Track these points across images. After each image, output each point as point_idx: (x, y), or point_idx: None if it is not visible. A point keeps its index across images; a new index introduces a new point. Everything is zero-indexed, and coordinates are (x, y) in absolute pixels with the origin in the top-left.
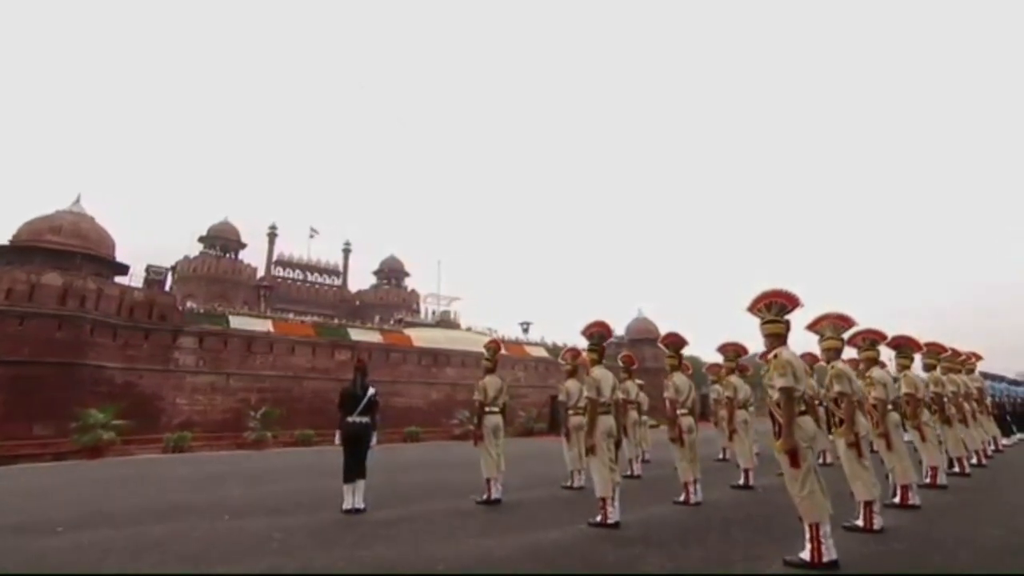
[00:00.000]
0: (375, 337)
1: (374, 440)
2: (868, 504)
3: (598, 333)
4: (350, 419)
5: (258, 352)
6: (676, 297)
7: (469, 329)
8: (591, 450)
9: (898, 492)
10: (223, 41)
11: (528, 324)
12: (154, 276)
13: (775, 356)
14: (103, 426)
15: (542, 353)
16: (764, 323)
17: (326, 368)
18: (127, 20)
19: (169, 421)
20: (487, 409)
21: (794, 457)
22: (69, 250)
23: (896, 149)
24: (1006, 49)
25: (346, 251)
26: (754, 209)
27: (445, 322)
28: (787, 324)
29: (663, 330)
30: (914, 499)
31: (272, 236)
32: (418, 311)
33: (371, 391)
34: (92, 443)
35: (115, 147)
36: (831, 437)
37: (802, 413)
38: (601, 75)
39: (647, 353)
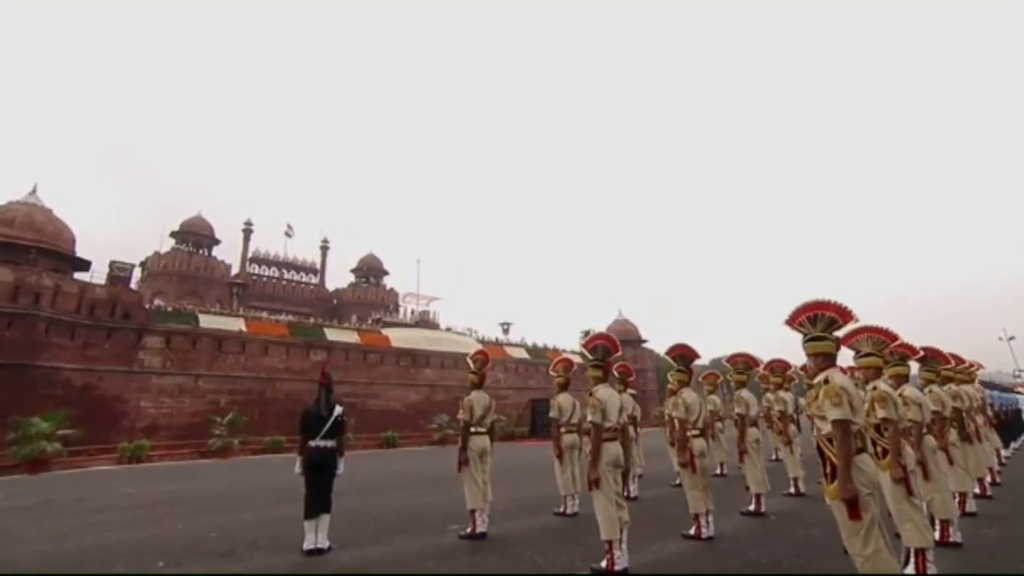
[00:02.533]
0: (352, 337)
1: (340, 467)
2: (921, 552)
3: (602, 347)
4: (313, 443)
5: (229, 352)
6: (656, 298)
7: (449, 329)
8: (594, 483)
9: (937, 528)
10: (202, 35)
11: (508, 324)
12: (118, 272)
13: (826, 381)
14: (47, 436)
15: (522, 354)
16: (809, 340)
17: (300, 369)
18: (107, 12)
19: (132, 425)
20: (473, 430)
21: (854, 507)
22: (22, 243)
23: (867, 152)
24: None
25: (324, 248)
26: (733, 208)
27: (424, 322)
28: (837, 342)
29: (644, 332)
30: (955, 535)
31: (247, 232)
32: (397, 311)
33: (338, 410)
34: (33, 456)
35: (85, 139)
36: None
37: (859, 450)
38: (582, 77)
39: (627, 355)
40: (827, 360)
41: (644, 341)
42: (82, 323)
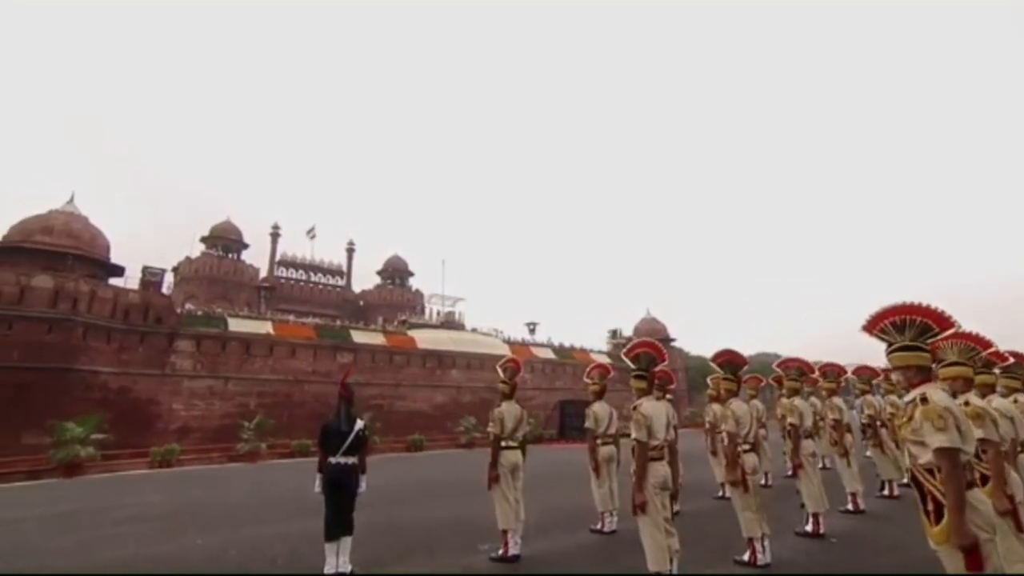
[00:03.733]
0: (378, 339)
1: (362, 485)
2: None
3: (645, 355)
4: (333, 460)
5: (257, 355)
6: (685, 295)
7: (474, 330)
8: (640, 508)
9: None
10: (229, 41)
11: (534, 324)
12: (150, 277)
13: (923, 400)
14: (81, 441)
15: (549, 354)
16: (896, 350)
17: (328, 371)
18: (136, 19)
19: (166, 427)
20: (504, 444)
21: (974, 556)
22: (61, 251)
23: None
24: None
25: (350, 251)
26: (758, 206)
27: (450, 323)
28: (932, 353)
29: (672, 330)
30: None
31: (275, 236)
32: (423, 312)
33: (359, 424)
34: (68, 460)
35: (119, 146)
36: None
37: (969, 484)
38: (607, 76)
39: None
40: (920, 374)
41: (672, 340)
42: (117, 327)
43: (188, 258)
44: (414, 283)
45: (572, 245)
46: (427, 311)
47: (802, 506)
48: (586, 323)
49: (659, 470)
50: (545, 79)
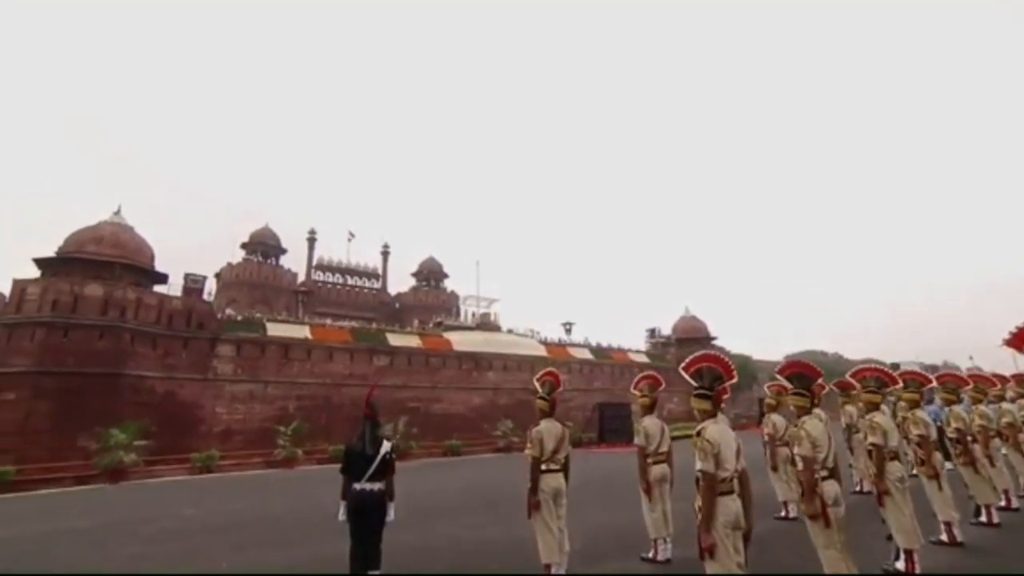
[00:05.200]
0: (414, 341)
1: (391, 514)
2: None
3: (708, 370)
4: (358, 486)
5: (296, 359)
6: (722, 292)
7: (510, 331)
8: (708, 552)
9: None
10: (264, 49)
11: (571, 324)
12: (192, 284)
13: None
14: (124, 447)
15: (586, 355)
16: None
17: (364, 374)
18: (174, 24)
19: (209, 430)
20: (545, 467)
21: None
22: (109, 260)
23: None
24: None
25: (385, 253)
26: (803, 201)
27: (485, 324)
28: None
29: (713, 329)
30: None
31: (312, 241)
32: (458, 313)
33: (386, 446)
34: (113, 466)
35: (162, 155)
36: None
37: None
38: (644, 71)
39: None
40: None
41: (713, 338)
42: (162, 333)
43: (229, 264)
44: (449, 284)
45: (608, 243)
46: (462, 312)
47: (889, 538)
48: (623, 322)
49: (730, 506)
50: (583, 78)
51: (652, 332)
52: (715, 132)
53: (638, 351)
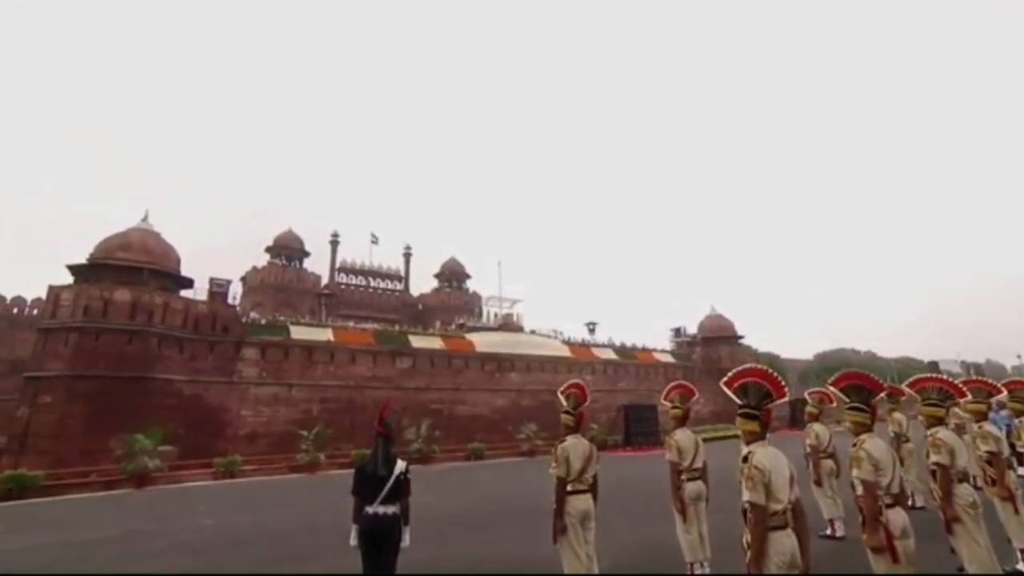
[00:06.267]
0: (436, 343)
1: (406, 539)
2: None
3: (754, 386)
4: (370, 510)
5: (319, 362)
6: (748, 290)
7: (533, 332)
8: None
9: None
10: (290, 54)
11: (594, 324)
12: (217, 288)
13: None
14: (148, 453)
15: (610, 355)
16: None
17: (387, 376)
18: (202, 30)
19: (235, 433)
20: (571, 488)
21: None
22: (137, 266)
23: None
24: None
25: (407, 255)
26: (833, 200)
27: (508, 325)
28: None
29: (741, 327)
30: None
31: (335, 243)
32: (480, 314)
33: (400, 466)
34: (137, 472)
35: (191, 161)
36: None
37: None
38: (671, 72)
39: (722, 353)
40: None
41: (741, 337)
42: (188, 337)
43: (255, 268)
44: (471, 285)
45: (631, 242)
46: (485, 313)
47: (960, 570)
48: (647, 322)
49: (784, 543)
50: (610, 79)
51: (677, 331)
52: (740, 131)
53: (663, 351)
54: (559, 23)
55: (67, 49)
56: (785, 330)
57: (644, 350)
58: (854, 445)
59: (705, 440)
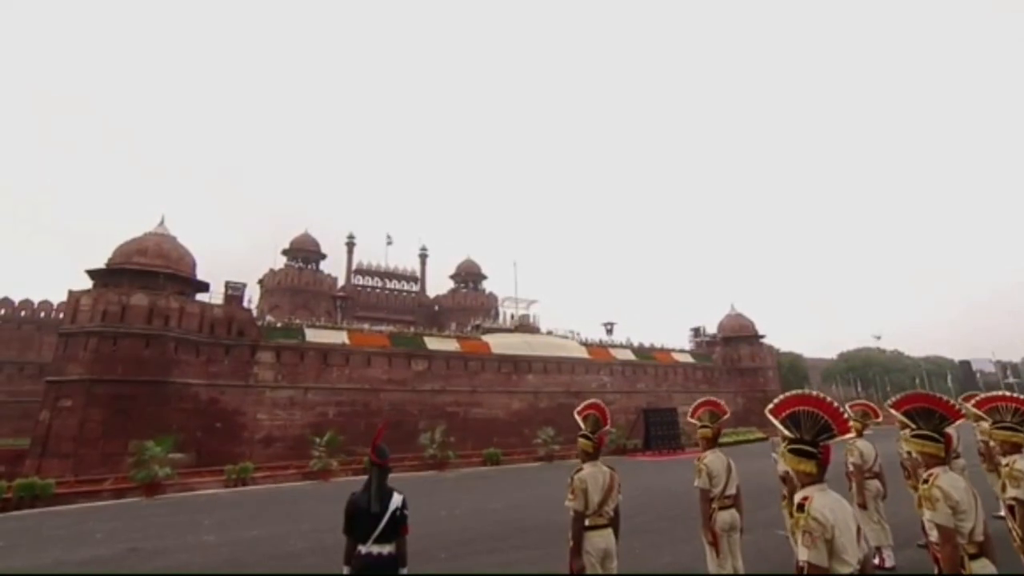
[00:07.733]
0: (452, 345)
1: None
2: None
3: (808, 416)
4: (364, 549)
5: (334, 365)
6: (768, 288)
7: (550, 332)
8: None
9: None
10: (306, 56)
11: (611, 325)
12: (232, 292)
13: None
14: (159, 460)
15: (628, 356)
16: None
17: (403, 379)
18: (218, 35)
19: (251, 436)
20: (589, 523)
21: None
22: (154, 270)
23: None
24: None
25: (423, 256)
26: (855, 199)
27: (524, 326)
28: None
29: (761, 326)
30: None
31: (351, 245)
32: (496, 315)
33: (396, 501)
34: (148, 480)
35: (201, 162)
36: None
37: None
38: (690, 73)
39: (743, 352)
40: None
41: (762, 336)
42: (204, 341)
43: (272, 271)
44: (487, 286)
45: (649, 242)
46: (501, 314)
47: None
48: (666, 322)
49: None
50: (626, 81)
51: (696, 331)
52: (763, 130)
53: (682, 351)
54: (581, 25)
55: (107, 58)
56: (806, 329)
57: (663, 350)
58: (925, 482)
59: (725, 445)
